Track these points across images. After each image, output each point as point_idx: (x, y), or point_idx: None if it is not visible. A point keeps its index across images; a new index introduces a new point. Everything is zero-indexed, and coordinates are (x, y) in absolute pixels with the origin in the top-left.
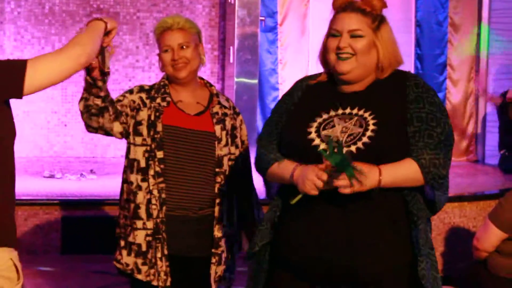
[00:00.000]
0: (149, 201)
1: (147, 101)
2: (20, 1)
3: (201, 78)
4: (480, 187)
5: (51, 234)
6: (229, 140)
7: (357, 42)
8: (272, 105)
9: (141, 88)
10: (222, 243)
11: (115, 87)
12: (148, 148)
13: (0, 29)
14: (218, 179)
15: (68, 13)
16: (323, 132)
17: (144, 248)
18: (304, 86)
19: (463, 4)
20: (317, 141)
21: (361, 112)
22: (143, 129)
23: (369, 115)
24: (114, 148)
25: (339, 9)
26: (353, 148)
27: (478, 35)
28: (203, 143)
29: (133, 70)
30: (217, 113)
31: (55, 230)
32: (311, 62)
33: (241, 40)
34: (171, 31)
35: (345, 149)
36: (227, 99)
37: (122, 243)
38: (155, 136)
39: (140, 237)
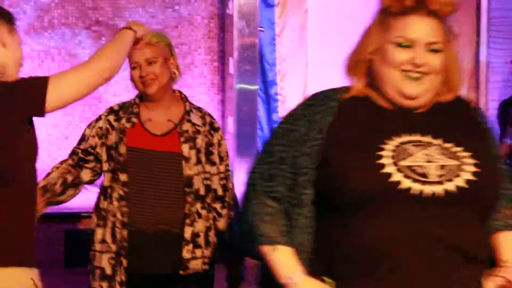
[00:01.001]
0: (113, 224)
1: (115, 123)
2: (19, 15)
3: (179, 92)
4: None
5: (54, 248)
6: (202, 158)
7: (435, 58)
8: (271, 116)
9: (110, 110)
10: (193, 265)
11: (115, 99)
12: (111, 171)
13: None
14: (189, 199)
15: (68, 26)
16: (402, 163)
17: (108, 271)
18: (337, 100)
19: (460, 13)
20: (396, 175)
21: (438, 141)
22: (104, 153)
23: (455, 145)
24: None
25: (406, 9)
26: (450, 185)
27: (477, 43)
28: (168, 163)
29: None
30: (186, 131)
31: (58, 243)
32: (310, 73)
33: (240, 51)
34: (139, 47)
35: (439, 187)
36: (203, 115)
37: (89, 267)
38: (119, 158)
39: (104, 260)
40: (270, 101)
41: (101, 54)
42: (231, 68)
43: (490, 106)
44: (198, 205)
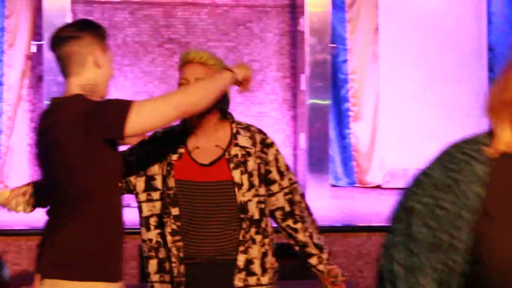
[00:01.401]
0: (169, 258)
1: (159, 153)
2: None
3: (224, 111)
4: None
5: (129, 263)
6: (255, 181)
7: None
8: (344, 131)
9: (155, 137)
10: None
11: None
12: (163, 206)
13: None
14: (244, 225)
15: (141, 43)
16: None
17: None
18: (483, 162)
19: None
20: None
21: None
22: (158, 183)
23: None
24: None
25: None
26: None
27: None
28: (220, 193)
29: None
30: (236, 155)
31: (134, 258)
32: (381, 88)
33: (312, 68)
34: (192, 64)
35: None
36: (252, 134)
37: None
38: (168, 192)
39: None
40: (341, 117)
41: (189, 88)
42: (303, 84)
43: None
44: (253, 231)
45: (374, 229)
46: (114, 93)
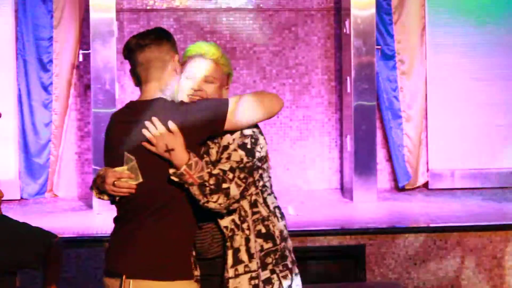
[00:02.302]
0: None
1: None
2: None
3: None
4: None
5: None
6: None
7: None
8: (395, 132)
9: None
10: (235, 283)
11: None
12: None
13: (121, 69)
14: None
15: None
16: None
17: None
18: None
19: None
20: None
21: None
22: None
23: None
24: None
25: None
26: None
27: None
28: None
29: None
30: None
31: None
32: (429, 88)
33: (357, 70)
34: (203, 59)
35: None
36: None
37: None
38: None
39: None
40: (393, 119)
41: (278, 97)
42: (349, 87)
43: None
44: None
45: (421, 230)
46: None
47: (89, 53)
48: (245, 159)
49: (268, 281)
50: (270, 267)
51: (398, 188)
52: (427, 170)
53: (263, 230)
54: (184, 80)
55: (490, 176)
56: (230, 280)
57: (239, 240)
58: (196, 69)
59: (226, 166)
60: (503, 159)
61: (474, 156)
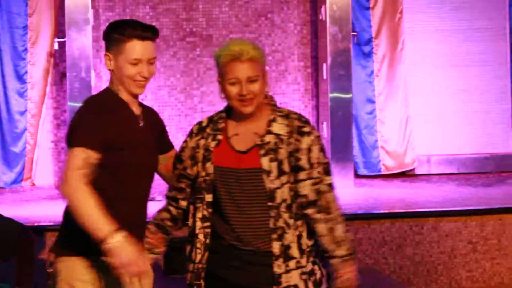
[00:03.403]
0: (193, 245)
1: (201, 142)
2: None
3: (267, 97)
4: None
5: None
6: (286, 169)
7: None
8: (367, 118)
9: (199, 128)
10: (287, 278)
11: (210, 109)
12: (198, 190)
13: (96, 57)
14: (272, 214)
15: (162, 37)
16: None
17: None
18: None
19: None
20: None
21: None
22: (196, 170)
23: None
24: None
25: None
26: None
27: None
28: (251, 180)
29: None
30: (267, 143)
31: None
32: (405, 74)
33: (334, 57)
34: (240, 62)
35: None
36: (291, 122)
37: None
38: (206, 178)
39: (193, 279)
40: (369, 105)
41: None
42: (325, 73)
43: None
44: (286, 216)
45: (398, 216)
46: None
47: (65, 41)
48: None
49: (312, 272)
50: (311, 259)
51: (377, 174)
52: (407, 156)
53: (311, 229)
54: (229, 87)
55: (466, 161)
56: (283, 275)
57: (290, 238)
58: (238, 74)
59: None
60: (479, 145)
61: (451, 142)
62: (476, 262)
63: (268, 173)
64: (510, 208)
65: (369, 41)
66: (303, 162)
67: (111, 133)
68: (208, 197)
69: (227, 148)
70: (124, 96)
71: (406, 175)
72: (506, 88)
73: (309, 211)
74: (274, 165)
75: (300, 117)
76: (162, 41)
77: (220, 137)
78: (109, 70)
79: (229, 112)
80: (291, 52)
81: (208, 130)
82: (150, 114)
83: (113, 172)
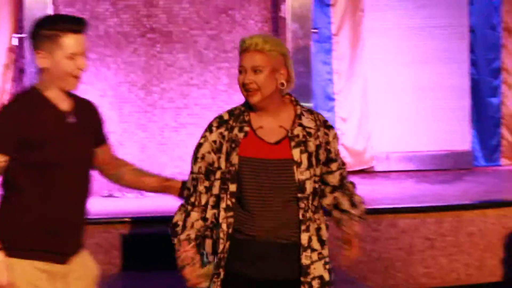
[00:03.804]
0: (217, 235)
1: (226, 133)
2: None
3: (289, 95)
4: None
5: (111, 252)
6: (313, 161)
7: None
8: (327, 116)
9: (220, 122)
10: (312, 270)
11: (170, 105)
12: (221, 180)
13: None
14: (302, 205)
15: (123, 34)
16: None
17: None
18: None
19: None
20: None
21: None
22: (222, 162)
23: None
24: (172, 166)
25: None
26: None
27: None
28: (280, 171)
29: (188, 88)
30: (297, 135)
31: (115, 248)
32: (365, 71)
33: (294, 53)
34: (248, 52)
35: None
36: (316, 117)
37: None
38: (231, 168)
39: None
40: (329, 101)
41: None
42: None
43: None
44: (309, 210)
45: None
46: (96, 84)
47: (24, 37)
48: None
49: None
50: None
51: None
52: (368, 153)
53: (327, 222)
54: (238, 76)
55: (425, 158)
56: (310, 266)
57: (312, 230)
58: (244, 62)
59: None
60: (437, 142)
61: (410, 139)
62: (433, 258)
63: (299, 164)
64: (467, 205)
65: (329, 38)
66: (333, 154)
67: (27, 132)
68: (232, 187)
69: (256, 140)
70: (51, 93)
71: (366, 172)
72: (465, 85)
73: (336, 194)
74: (304, 156)
75: (320, 114)
76: (122, 37)
77: (247, 128)
78: (42, 68)
79: (249, 106)
80: None
81: (231, 122)
82: (85, 108)
83: (36, 171)
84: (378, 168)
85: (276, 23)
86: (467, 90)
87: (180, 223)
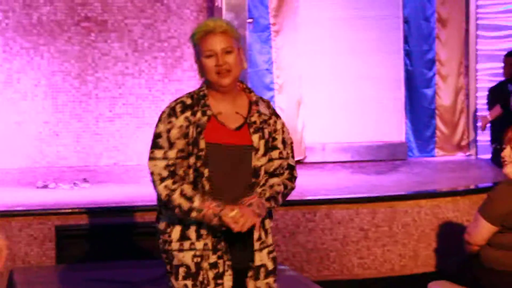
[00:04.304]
0: (198, 223)
1: (191, 118)
2: (8, 12)
3: (241, 82)
4: (473, 181)
5: (45, 244)
6: (268, 148)
7: None
8: None
9: (184, 106)
10: (260, 257)
11: (106, 95)
12: (193, 166)
13: None
14: (257, 190)
15: (56, 22)
16: None
17: (193, 269)
18: None
19: (450, 1)
20: None
21: None
22: (190, 148)
23: None
24: (107, 156)
25: None
26: None
27: (466, 30)
28: (242, 157)
29: (123, 77)
30: (255, 122)
31: (50, 240)
32: (302, 61)
33: None
34: (214, 34)
35: None
36: (268, 105)
37: (168, 268)
38: (199, 154)
39: (188, 258)
40: (266, 91)
41: None
42: None
43: (479, 92)
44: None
45: (291, 204)
46: (29, 73)
47: None
48: None
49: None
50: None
51: None
52: (302, 143)
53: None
54: (205, 60)
55: (360, 149)
56: (256, 253)
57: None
58: (212, 45)
59: None
60: (372, 133)
61: (345, 130)
62: (368, 249)
63: (257, 150)
64: (401, 195)
65: (266, 28)
66: (278, 142)
67: None
68: (206, 172)
69: (217, 125)
70: None
71: (301, 162)
72: (400, 76)
73: (274, 180)
74: (261, 143)
75: (269, 101)
76: (56, 25)
77: (210, 112)
78: None
79: (208, 91)
80: (187, 39)
81: (195, 107)
82: None
83: None
84: (313, 159)
85: (212, 12)
86: (402, 81)
87: (182, 200)
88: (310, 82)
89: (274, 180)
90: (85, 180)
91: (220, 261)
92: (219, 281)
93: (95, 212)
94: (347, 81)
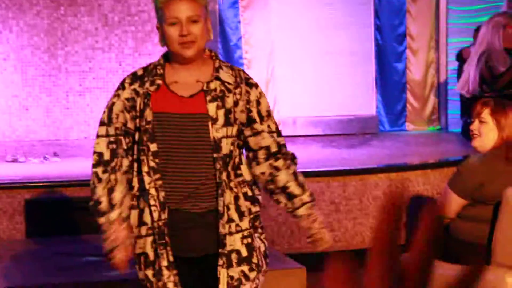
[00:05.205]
0: (149, 203)
1: (140, 89)
2: None
3: (210, 51)
4: (443, 155)
5: (15, 218)
6: (232, 119)
7: None
8: None
9: (134, 77)
10: (230, 242)
11: (76, 69)
12: (140, 141)
13: None
14: (217, 165)
15: None
16: None
17: (151, 257)
18: None
19: None
20: None
21: None
22: (136, 121)
23: None
24: (77, 130)
25: None
26: None
27: (437, 5)
28: (195, 127)
29: (93, 51)
30: (214, 89)
31: (19, 213)
32: (272, 36)
33: None
34: (180, 1)
35: None
36: (236, 74)
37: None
38: (147, 126)
39: (148, 245)
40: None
41: None
42: None
43: (449, 66)
44: (226, 172)
45: None
46: None
47: None
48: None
49: (252, 238)
50: (259, 230)
51: None
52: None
53: (249, 193)
54: (168, 28)
55: (330, 123)
56: (227, 237)
57: (228, 198)
58: (177, 13)
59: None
60: (343, 107)
61: (316, 104)
62: (339, 222)
63: (215, 120)
64: (371, 168)
65: (235, 3)
66: (254, 113)
67: None
68: (153, 147)
69: (168, 94)
70: None
71: None
72: (370, 50)
73: (271, 160)
74: (220, 113)
75: (243, 70)
76: None
77: (159, 81)
78: None
79: (167, 60)
80: None
81: (145, 77)
82: None
83: None
84: (284, 133)
85: None
86: (372, 55)
87: (104, 198)
88: (280, 57)
89: (284, 180)
90: (55, 154)
91: (167, 249)
92: (174, 271)
93: (65, 185)
94: (317, 55)
